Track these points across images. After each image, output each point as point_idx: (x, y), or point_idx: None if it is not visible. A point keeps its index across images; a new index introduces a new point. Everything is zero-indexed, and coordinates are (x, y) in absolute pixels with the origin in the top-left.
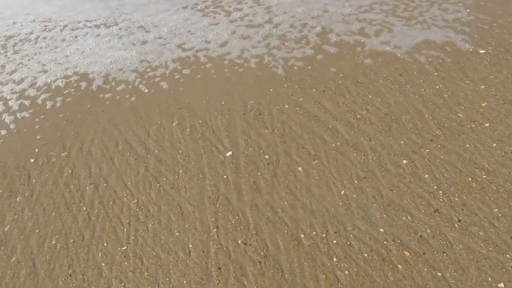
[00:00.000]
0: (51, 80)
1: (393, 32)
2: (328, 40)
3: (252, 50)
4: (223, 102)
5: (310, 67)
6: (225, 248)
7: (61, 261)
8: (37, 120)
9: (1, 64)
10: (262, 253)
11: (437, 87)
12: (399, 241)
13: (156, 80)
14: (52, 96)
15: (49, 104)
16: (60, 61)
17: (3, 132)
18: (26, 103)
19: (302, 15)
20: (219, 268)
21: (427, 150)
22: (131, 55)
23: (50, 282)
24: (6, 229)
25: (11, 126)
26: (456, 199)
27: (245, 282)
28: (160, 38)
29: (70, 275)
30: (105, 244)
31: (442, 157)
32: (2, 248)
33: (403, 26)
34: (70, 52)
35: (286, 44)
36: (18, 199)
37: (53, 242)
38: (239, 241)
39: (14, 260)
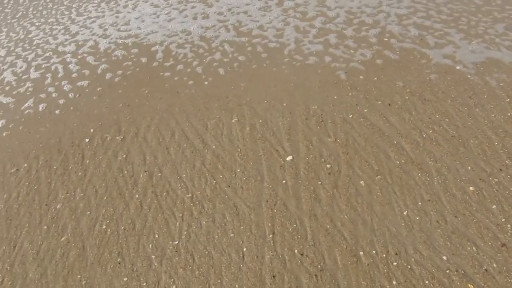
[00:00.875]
0: (111, 48)
1: (455, 45)
2: (388, 45)
3: (309, 45)
4: (285, 104)
5: (376, 78)
6: (280, 256)
7: (110, 247)
8: (94, 97)
9: (65, 26)
10: (319, 266)
11: (509, 114)
12: (462, 272)
13: (214, 65)
14: (112, 68)
15: (108, 76)
16: (121, 28)
17: (61, 101)
18: (86, 73)
19: (356, 11)
20: (273, 276)
21: (495, 180)
22: (193, 28)
23: (99, 267)
24: (58, 206)
25: (69, 95)
26: None
27: None
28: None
29: (119, 263)
30: (156, 236)
31: (511, 189)
32: (54, 225)
33: (465, 40)
34: (130, 19)
35: (344, 43)
36: (71, 177)
37: (104, 227)
38: (296, 251)
39: (65, 240)
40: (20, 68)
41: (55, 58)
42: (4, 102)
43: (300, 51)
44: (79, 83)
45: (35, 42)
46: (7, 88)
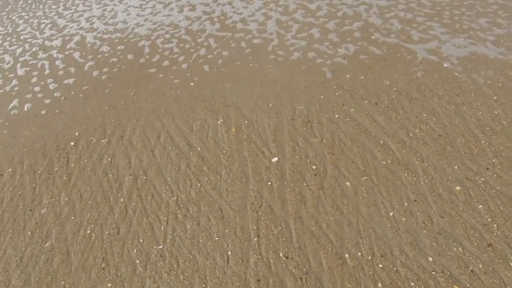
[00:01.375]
0: (98, 43)
1: (440, 40)
2: (373, 41)
3: (293, 41)
4: (271, 104)
5: (363, 77)
6: (265, 260)
7: (95, 252)
8: (80, 99)
9: (53, 20)
10: (304, 269)
11: (496, 112)
12: (448, 273)
13: (200, 63)
14: (98, 66)
15: (94, 73)
16: (108, 22)
17: (47, 101)
18: (72, 70)
19: (337, 2)
20: (258, 280)
21: (482, 179)
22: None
23: (83, 273)
24: (43, 211)
25: (55, 94)
26: None
27: None
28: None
29: (103, 269)
30: (141, 240)
31: (498, 188)
32: (38, 231)
33: (448, 35)
34: (117, 12)
35: (328, 38)
36: (56, 182)
37: (88, 232)
38: (281, 254)
39: (49, 245)
40: (8, 64)
41: (41, 54)
42: None
43: (283, 47)
44: (65, 81)
45: (22, 37)
46: None
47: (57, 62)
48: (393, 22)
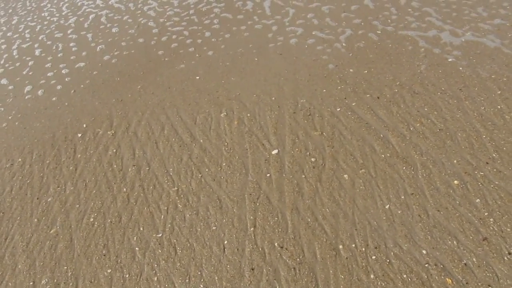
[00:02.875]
0: (110, 24)
1: (439, 30)
2: (378, 35)
3: (292, 28)
4: (273, 98)
5: (366, 71)
6: (260, 249)
7: (97, 239)
8: (89, 92)
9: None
10: (297, 259)
11: (499, 107)
12: (441, 266)
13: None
14: (109, 48)
15: (106, 58)
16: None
17: (58, 87)
18: (84, 54)
19: None
20: (252, 269)
21: (481, 173)
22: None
23: (85, 259)
24: (49, 200)
25: (66, 79)
26: (508, 229)
27: (277, 287)
28: None
29: (104, 255)
30: (141, 229)
31: (496, 182)
32: (44, 218)
33: (450, 27)
34: None
35: (326, 24)
36: (62, 172)
37: (91, 220)
38: (276, 244)
39: (53, 232)
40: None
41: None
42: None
43: (282, 34)
44: (77, 65)
45: (42, 14)
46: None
47: (71, 44)
48: (401, 14)
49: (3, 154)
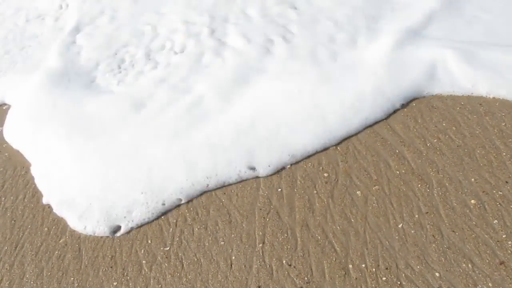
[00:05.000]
0: None
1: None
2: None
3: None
4: None
5: None
6: (268, 266)
7: (104, 251)
8: None
9: None
10: (305, 278)
11: None
12: None
13: None
14: None
15: None
16: None
17: None
18: None
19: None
20: (259, 287)
21: (500, 193)
22: None
23: (92, 270)
24: None
25: None
26: None
27: None
28: None
29: (111, 267)
30: (149, 242)
31: None
32: (54, 227)
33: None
34: None
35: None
36: None
37: None
38: (284, 261)
39: (63, 242)
40: None
41: None
42: None
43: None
44: None
45: None
46: None
47: None
48: None
49: (18, 162)
